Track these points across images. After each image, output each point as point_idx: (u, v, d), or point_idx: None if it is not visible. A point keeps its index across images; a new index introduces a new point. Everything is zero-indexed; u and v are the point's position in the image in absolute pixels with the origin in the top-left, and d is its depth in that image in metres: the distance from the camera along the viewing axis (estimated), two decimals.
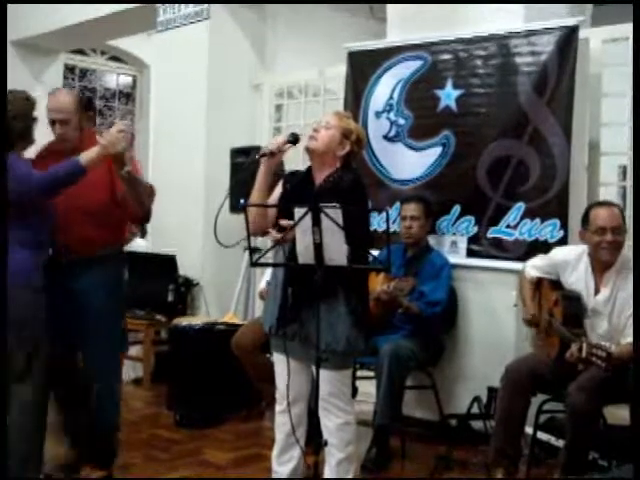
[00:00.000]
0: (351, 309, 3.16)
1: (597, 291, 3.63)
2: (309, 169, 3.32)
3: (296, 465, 3.33)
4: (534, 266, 3.93)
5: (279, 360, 3.33)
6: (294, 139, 3.23)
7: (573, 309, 3.59)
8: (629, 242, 4.42)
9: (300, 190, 3.24)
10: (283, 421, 3.32)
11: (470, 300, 4.73)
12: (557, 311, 3.65)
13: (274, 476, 3.37)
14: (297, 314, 3.13)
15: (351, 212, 2.98)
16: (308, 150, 3.27)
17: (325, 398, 3.20)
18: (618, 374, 3.44)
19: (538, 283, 3.87)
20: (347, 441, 3.24)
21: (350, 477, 3.26)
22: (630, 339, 3.38)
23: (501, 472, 3.65)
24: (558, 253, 3.88)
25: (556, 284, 3.80)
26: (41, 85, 8.17)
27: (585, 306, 3.62)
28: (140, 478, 3.88)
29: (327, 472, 3.26)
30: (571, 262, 3.74)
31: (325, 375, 3.16)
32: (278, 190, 3.30)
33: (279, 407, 3.34)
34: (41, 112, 3.53)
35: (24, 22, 7.45)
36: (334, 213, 2.82)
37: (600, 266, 3.63)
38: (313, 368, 3.13)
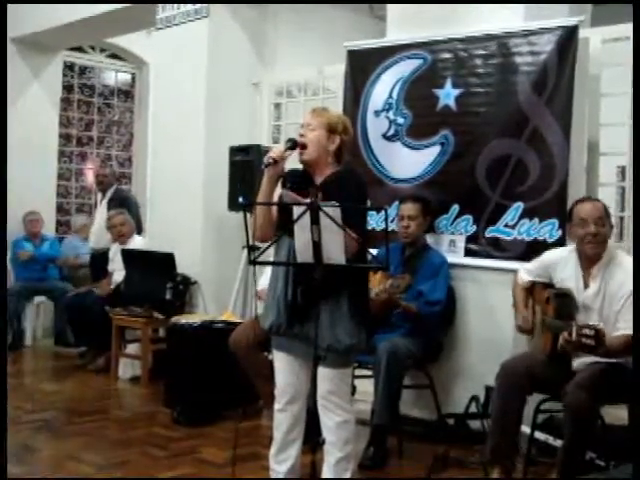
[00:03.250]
0: (354, 308, 3.16)
1: (586, 285, 3.66)
2: (305, 168, 3.33)
3: (294, 464, 3.33)
4: (526, 270, 3.98)
5: (279, 358, 3.33)
6: (293, 145, 3.23)
7: (565, 306, 3.62)
8: (623, 243, 4.46)
9: (299, 189, 3.24)
10: (281, 419, 3.33)
11: (468, 299, 4.74)
12: (549, 309, 3.68)
13: (271, 474, 3.37)
14: (307, 313, 3.12)
15: (350, 210, 2.99)
16: (303, 162, 3.27)
17: (325, 396, 3.20)
18: (615, 373, 3.46)
19: (531, 288, 3.91)
20: (346, 440, 3.24)
21: (348, 475, 3.26)
22: (623, 331, 3.43)
23: (497, 470, 3.64)
24: (548, 254, 3.93)
25: (548, 286, 3.82)
26: (40, 82, 8.21)
27: (576, 302, 3.65)
28: (137, 478, 3.87)
29: (325, 471, 3.26)
30: (560, 261, 3.80)
31: (326, 373, 3.16)
32: (278, 190, 3.29)
33: (278, 405, 3.34)
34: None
35: (24, 19, 7.45)
36: (333, 212, 2.83)
37: (588, 260, 3.66)
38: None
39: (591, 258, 3.64)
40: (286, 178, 3.28)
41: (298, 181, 3.28)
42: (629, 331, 3.39)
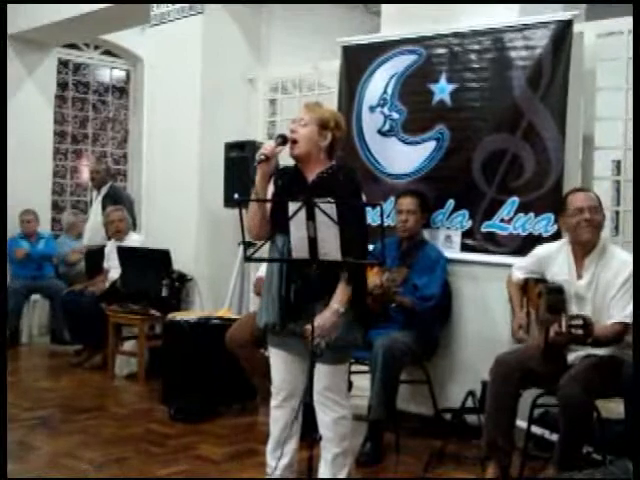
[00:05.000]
0: (352, 303, 3.16)
1: (579, 276, 3.68)
2: (297, 165, 3.32)
3: (290, 460, 3.34)
4: (519, 267, 4.00)
5: (275, 355, 3.33)
6: (283, 140, 3.22)
7: (556, 301, 3.63)
8: (620, 238, 4.46)
9: (292, 186, 3.23)
10: (278, 416, 3.33)
11: (464, 294, 4.74)
12: (540, 304, 3.70)
13: (268, 471, 3.37)
14: (301, 311, 3.12)
15: (347, 206, 3.00)
16: (294, 157, 3.26)
17: (322, 392, 3.20)
18: (610, 367, 3.47)
19: (524, 285, 3.92)
20: (343, 435, 3.25)
21: (345, 471, 3.27)
22: (615, 319, 3.48)
23: (493, 465, 3.64)
24: (540, 249, 3.96)
25: (540, 281, 3.84)
26: (34, 80, 8.19)
27: (568, 296, 3.66)
28: (134, 478, 3.87)
29: (322, 467, 3.27)
30: (552, 254, 3.83)
31: (322, 369, 3.16)
32: (270, 188, 3.29)
33: (274, 402, 3.34)
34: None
35: (18, 16, 7.43)
36: (328, 208, 2.83)
37: (581, 251, 3.69)
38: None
39: (584, 248, 3.66)
40: (277, 176, 3.28)
41: (289, 178, 3.28)
42: (621, 319, 3.45)
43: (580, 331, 3.22)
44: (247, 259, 3.08)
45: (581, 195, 3.71)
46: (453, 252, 4.73)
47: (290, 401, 3.31)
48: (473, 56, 4.72)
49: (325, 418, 3.22)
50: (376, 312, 4.25)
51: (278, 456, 3.33)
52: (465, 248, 4.72)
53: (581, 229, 3.63)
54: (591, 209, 3.62)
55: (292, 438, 3.34)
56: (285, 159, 3.38)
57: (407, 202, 4.63)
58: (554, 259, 3.80)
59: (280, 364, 3.30)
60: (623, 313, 3.46)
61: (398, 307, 4.35)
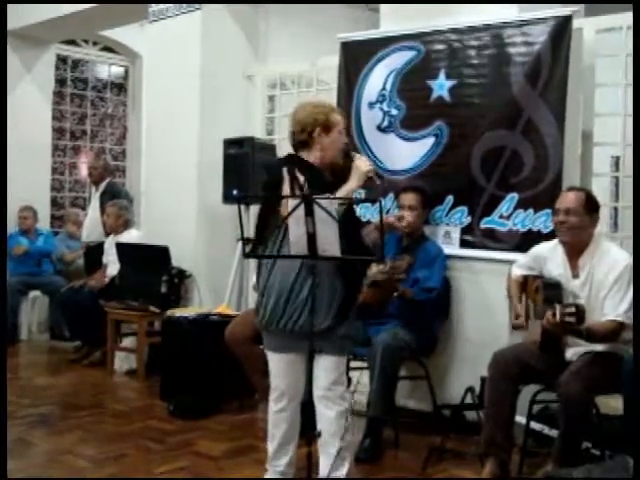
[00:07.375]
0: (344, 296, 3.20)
1: (575, 276, 3.70)
2: (292, 158, 3.31)
3: (291, 456, 3.36)
4: (518, 265, 4.02)
5: (276, 359, 3.33)
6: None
7: (553, 295, 3.64)
8: (619, 234, 4.46)
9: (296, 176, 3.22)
10: (281, 420, 3.33)
11: (463, 290, 4.74)
12: (538, 298, 3.70)
13: (268, 469, 3.38)
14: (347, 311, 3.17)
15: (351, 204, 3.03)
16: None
17: (329, 387, 3.20)
18: (609, 363, 3.47)
19: (524, 282, 3.92)
20: (345, 429, 3.25)
21: (346, 466, 3.26)
22: (609, 317, 3.50)
23: (492, 461, 3.64)
24: (537, 248, 3.98)
25: (539, 277, 3.84)
26: (33, 76, 8.18)
27: (564, 290, 3.69)
28: (133, 473, 3.87)
29: (324, 462, 3.26)
30: (548, 253, 3.85)
31: (326, 363, 3.17)
32: (287, 183, 3.25)
33: (275, 407, 3.35)
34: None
35: (15, 12, 7.41)
36: (328, 204, 2.83)
37: (573, 250, 3.71)
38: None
39: (575, 247, 3.68)
40: (282, 164, 3.28)
41: (299, 167, 3.24)
42: (614, 317, 3.47)
43: (573, 318, 3.24)
44: (246, 255, 3.08)
45: (565, 196, 3.73)
46: (452, 248, 4.73)
47: (292, 403, 3.32)
48: (472, 52, 4.72)
49: (329, 412, 3.21)
50: (376, 305, 4.27)
51: (280, 455, 3.36)
52: (464, 244, 4.72)
53: (557, 230, 3.70)
54: (568, 211, 3.64)
55: (294, 437, 3.36)
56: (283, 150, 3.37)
57: (409, 198, 4.63)
58: (550, 258, 3.82)
59: (281, 367, 3.30)
60: (616, 312, 3.48)
61: (399, 296, 4.35)
